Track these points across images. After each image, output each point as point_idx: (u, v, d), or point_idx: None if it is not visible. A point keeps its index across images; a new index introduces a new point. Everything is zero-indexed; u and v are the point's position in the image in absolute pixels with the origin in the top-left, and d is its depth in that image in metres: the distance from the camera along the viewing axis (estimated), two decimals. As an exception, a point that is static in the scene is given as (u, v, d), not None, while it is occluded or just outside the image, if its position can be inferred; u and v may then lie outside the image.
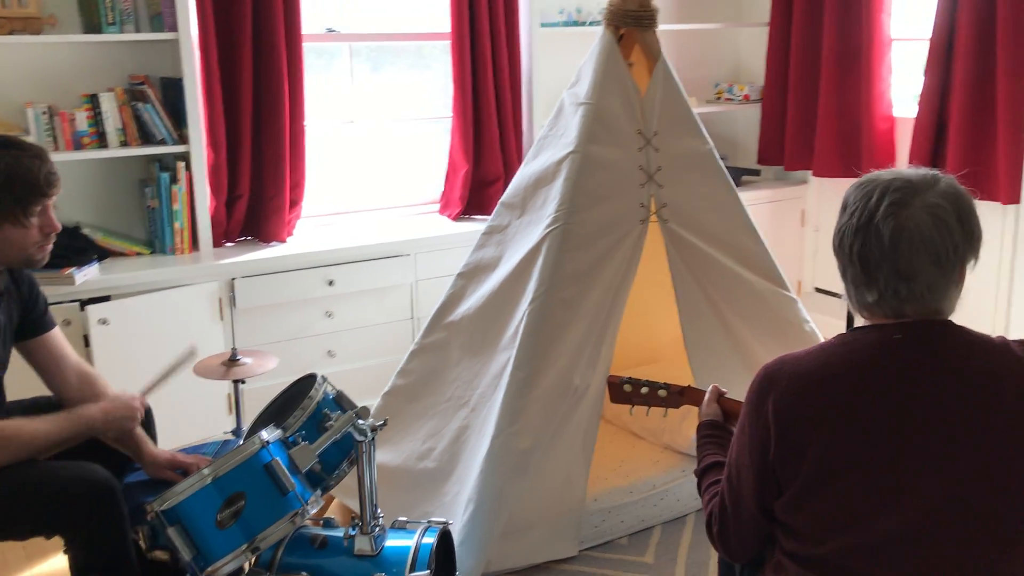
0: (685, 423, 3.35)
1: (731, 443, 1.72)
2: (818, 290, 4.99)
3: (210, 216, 3.77)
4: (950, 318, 1.58)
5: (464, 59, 4.23)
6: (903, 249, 1.50)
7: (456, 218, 4.39)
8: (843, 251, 1.59)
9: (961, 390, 1.51)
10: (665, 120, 3.00)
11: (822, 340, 3.15)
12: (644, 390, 2.18)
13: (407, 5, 4.44)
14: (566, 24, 4.60)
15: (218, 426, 3.68)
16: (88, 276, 3.41)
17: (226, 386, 3.69)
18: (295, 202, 4.01)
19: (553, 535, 2.92)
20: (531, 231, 2.95)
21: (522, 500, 2.78)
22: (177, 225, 3.69)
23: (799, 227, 5.03)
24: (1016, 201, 3.85)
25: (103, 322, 3.33)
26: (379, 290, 4.01)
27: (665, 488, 3.20)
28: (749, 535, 1.71)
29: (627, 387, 2.19)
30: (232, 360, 2.72)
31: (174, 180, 3.66)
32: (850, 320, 3.24)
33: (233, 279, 3.67)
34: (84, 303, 3.34)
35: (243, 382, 2.78)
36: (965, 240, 1.51)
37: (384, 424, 2.16)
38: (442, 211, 4.48)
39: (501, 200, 3.18)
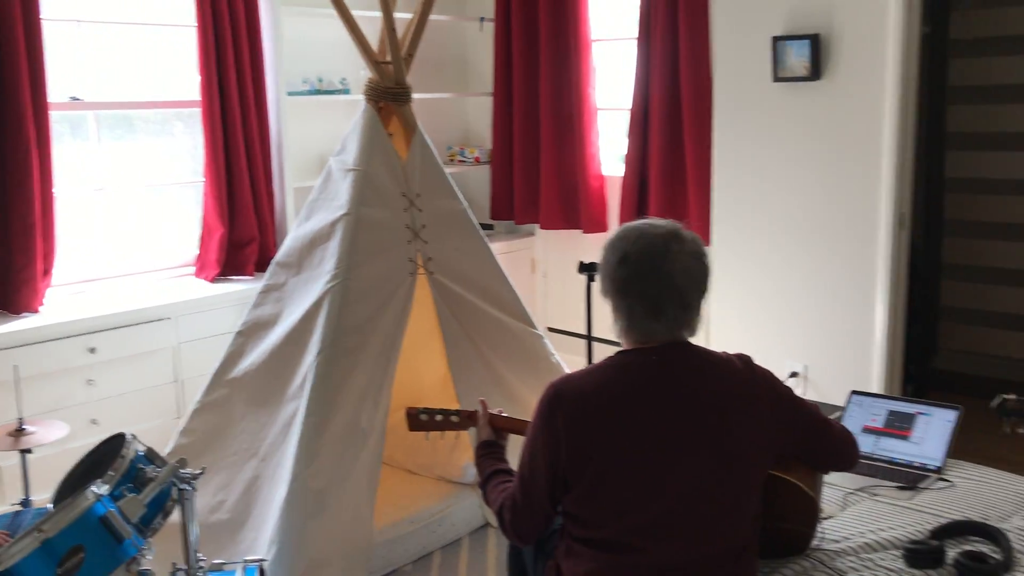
0: (454, 454, 3.69)
1: (523, 448, 2.08)
2: (550, 329, 5.55)
3: (-46, 289, 3.63)
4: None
5: (215, 126, 4.37)
6: (688, 284, 1.93)
7: (213, 280, 4.48)
8: (634, 293, 1.94)
9: (702, 396, 1.95)
10: (425, 184, 3.37)
11: (567, 370, 3.68)
12: (439, 417, 2.49)
13: (152, 73, 4.51)
14: (310, 92, 4.88)
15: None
16: None
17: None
18: (47, 271, 3.94)
19: (346, 569, 3.12)
20: (310, 287, 3.19)
21: (318, 538, 2.97)
22: (-81, 300, 3.52)
23: (530, 274, 5.60)
24: (707, 244, 4.60)
25: None
26: (141, 355, 4.01)
27: (441, 515, 3.52)
28: (538, 520, 2.08)
29: (423, 416, 2.49)
30: (19, 430, 2.70)
31: (-86, 253, 3.50)
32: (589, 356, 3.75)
33: (-12, 352, 3.55)
34: None
35: (30, 451, 2.76)
36: (708, 274, 1.99)
37: (203, 472, 2.31)
38: (198, 274, 4.55)
39: (275, 260, 3.38)
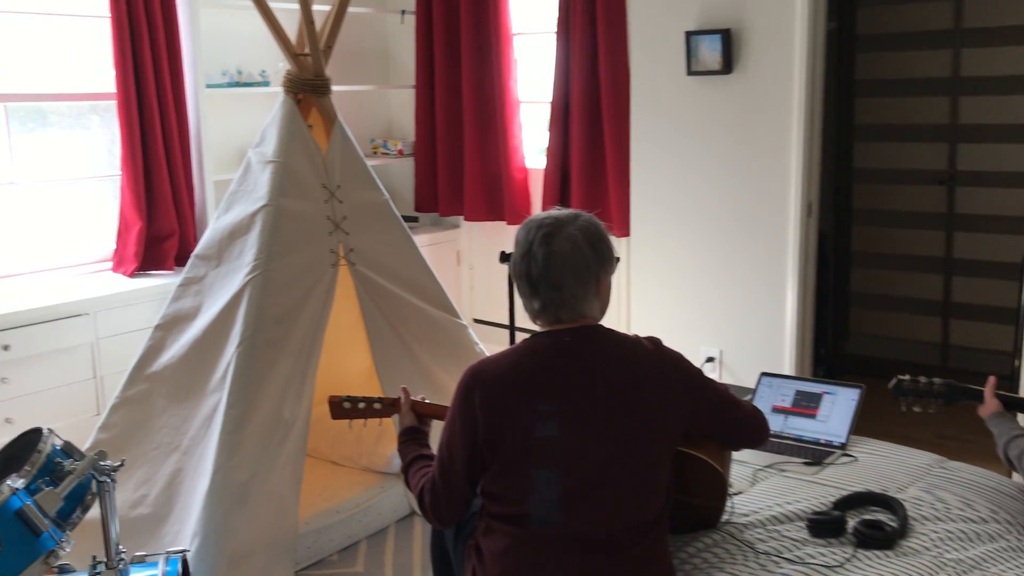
0: (379, 444, 3.72)
1: (442, 431, 2.13)
2: (476, 320, 5.61)
3: None
4: (601, 323, 2.12)
5: (132, 119, 4.31)
6: (553, 267, 2.01)
7: (132, 275, 4.41)
8: (517, 274, 2.08)
9: (612, 375, 2.03)
10: (346, 175, 3.38)
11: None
12: (361, 405, 2.52)
13: (66, 66, 4.42)
14: (230, 85, 4.84)
15: None
16: None
17: None
18: (-44, 267, 3.85)
19: (271, 560, 3.12)
20: (231, 279, 3.18)
21: (242, 529, 2.97)
22: None
23: (456, 266, 5.65)
24: (627, 234, 4.72)
25: None
26: (58, 351, 3.94)
27: (368, 504, 3.55)
28: (457, 502, 2.14)
29: (346, 404, 2.51)
30: (-70, 428, 2.64)
31: None
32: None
33: None
34: None
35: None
36: (596, 260, 2.05)
37: (122, 464, 2.30)
38: (116, 268, 4.48)
39: (195, 253, 3.36)
